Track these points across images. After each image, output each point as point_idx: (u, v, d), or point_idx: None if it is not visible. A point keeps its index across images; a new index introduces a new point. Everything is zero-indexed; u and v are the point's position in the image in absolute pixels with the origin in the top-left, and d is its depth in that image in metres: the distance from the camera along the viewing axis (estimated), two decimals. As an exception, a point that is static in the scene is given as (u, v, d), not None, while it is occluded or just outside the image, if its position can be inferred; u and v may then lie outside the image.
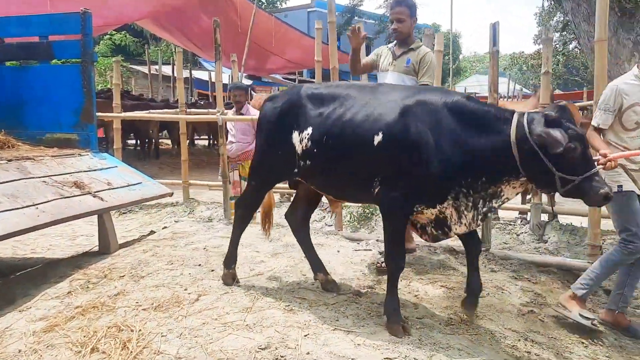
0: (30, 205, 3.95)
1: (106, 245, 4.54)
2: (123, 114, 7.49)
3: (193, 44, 15.36)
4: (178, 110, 7.35)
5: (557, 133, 2.54)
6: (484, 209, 2.80)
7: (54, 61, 6.00)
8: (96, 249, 4.93)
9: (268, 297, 3.33)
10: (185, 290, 3.48)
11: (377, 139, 2.85)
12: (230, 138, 5.78)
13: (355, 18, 28.72)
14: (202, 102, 16.67)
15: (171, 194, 5.49)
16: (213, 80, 18.10)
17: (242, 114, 5.71)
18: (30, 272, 4.26)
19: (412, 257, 4.25)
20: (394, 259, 3.00)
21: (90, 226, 5.85)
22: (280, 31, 13.92)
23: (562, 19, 30.68)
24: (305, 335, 2.84)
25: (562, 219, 5.30)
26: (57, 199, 4.19)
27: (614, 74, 15.06)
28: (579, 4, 15.52)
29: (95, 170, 4.98)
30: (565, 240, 4.76)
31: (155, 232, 5.24)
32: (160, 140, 15.11)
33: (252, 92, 10.48)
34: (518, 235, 5.10)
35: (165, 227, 5.49)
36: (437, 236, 2.99)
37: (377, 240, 4.67)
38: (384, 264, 3.79)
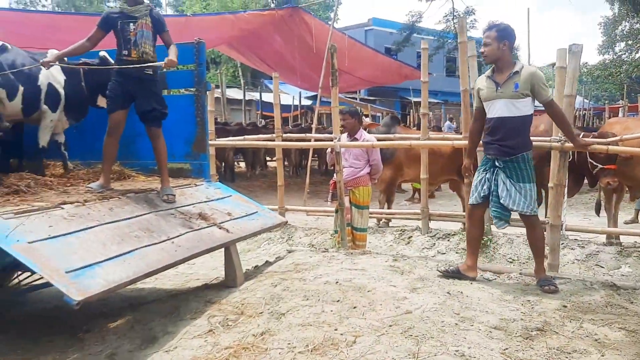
0: (166, 240, 3.90)
1: (233, 278, 4.43)
2: (218, 142, 7.50)
3: (266, 64, 15.52)
4: (274, 135, 7.30)
5: None
6: None
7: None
8: (216, 280, 4.87)
9: (431, 339, 3.10)
10: (335, 330, 3.29)
11: None
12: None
13: (414, 35, 28.43)
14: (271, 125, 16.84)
15: (286, 223, 5.39)
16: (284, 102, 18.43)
17: (355, 139, 5.56)
18: (162, 306, 4.20)
19: (568, 293, 3.92)
20: None
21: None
22: (354, 49, 13.85)
23: (627, 27, 29.67)
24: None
25: None
26: (189, 232, 4.14)
27: None
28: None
29: (213, 200, 4.93)
30: None
31: (271, 263, 5.12)
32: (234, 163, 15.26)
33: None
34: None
35: (278, 257, 5.36)
36: None
37: (520, 273, 4.36)
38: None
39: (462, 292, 3.86)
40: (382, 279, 4.18)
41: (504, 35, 3.93)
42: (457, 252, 5.74)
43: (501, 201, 3.99)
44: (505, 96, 3.95)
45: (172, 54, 4.36)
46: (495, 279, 4.38)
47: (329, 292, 3.94)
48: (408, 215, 6.83)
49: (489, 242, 5.50)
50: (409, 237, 6.28)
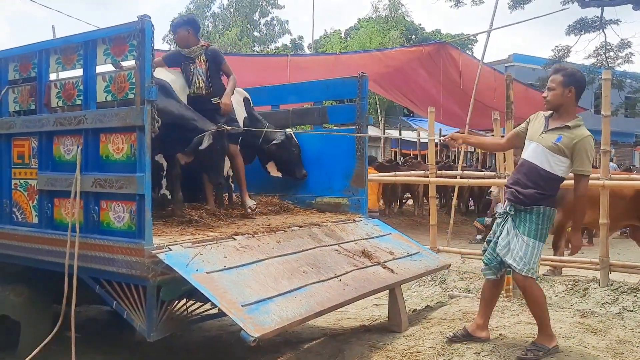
0: (334, 277, 3.73)
1: (397, 322, 4.15)
2: (372, 177, 7.35)
3: (409, 100, 15.37)
4: (428, 172, 7.00)
5: None
6: None
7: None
8: (376, 322, 4.62)
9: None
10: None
11: None
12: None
13: (561, 70, 26.64)
14: (411, 161, 16.55)
15: (449, 266, 5.02)
16: (423, 139, 18.10)
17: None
18: (323, 347, 4.03)
19: None
20: None
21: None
22: (503, 85, 13.18)
23: None
24: None
25: None
26: (354, 270, 3.95)
27: None
28: None
29: (373, 237, 4.73)
30: None
31: (432, 308, 4.77)
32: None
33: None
34: None
35: (440, 303, 4.99)
36: None
37: None
38: None
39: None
40: (572, 338, 3.65)
41: (571, 81, 3.44)
42: (647, 311, 4.93)
43: (497, 249, 3.56)
44: (543, 143, 3.48)
45: (228, 89, 4.65)
46: None
47: (511, 349, 3.50)
48: (583, 265, 6.06)
49: None
50: (585, 289, 5.53)
